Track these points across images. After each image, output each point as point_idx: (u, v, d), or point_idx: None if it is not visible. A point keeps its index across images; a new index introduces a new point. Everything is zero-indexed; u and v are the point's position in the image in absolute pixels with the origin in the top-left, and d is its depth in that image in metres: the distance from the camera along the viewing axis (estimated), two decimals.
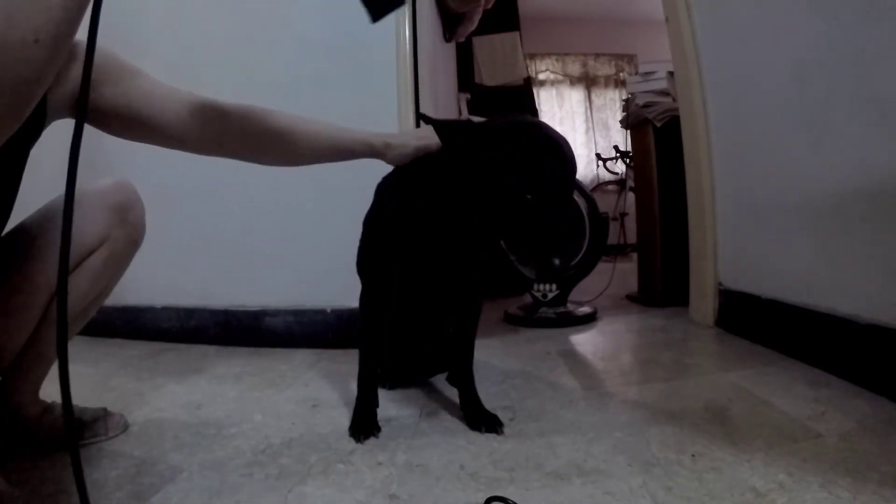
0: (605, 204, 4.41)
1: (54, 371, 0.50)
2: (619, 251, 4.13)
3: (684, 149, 1.74)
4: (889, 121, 0.94)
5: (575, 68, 5.62)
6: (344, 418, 0.94)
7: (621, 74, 5.55)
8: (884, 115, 0.95)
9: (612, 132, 5.45)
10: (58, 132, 0.73)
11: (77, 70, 0.43)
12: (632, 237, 3.88)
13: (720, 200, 1.61)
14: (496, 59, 2.97)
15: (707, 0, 1.59)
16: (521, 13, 3.29)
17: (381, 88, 1.50)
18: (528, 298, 1.91)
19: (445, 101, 2.29)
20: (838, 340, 1.07)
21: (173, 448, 0.83)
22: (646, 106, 2.04)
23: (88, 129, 0.42)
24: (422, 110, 1.52)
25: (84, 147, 0.42)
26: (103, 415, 0.88)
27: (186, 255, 1.64)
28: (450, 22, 2.31)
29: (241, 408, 1.02)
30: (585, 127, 5.61)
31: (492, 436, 0.85)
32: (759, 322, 1.39)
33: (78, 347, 1.50)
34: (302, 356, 1.43)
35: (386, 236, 0.87)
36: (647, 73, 2.12)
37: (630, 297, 2.24)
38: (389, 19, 1.58)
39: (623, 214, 4.70)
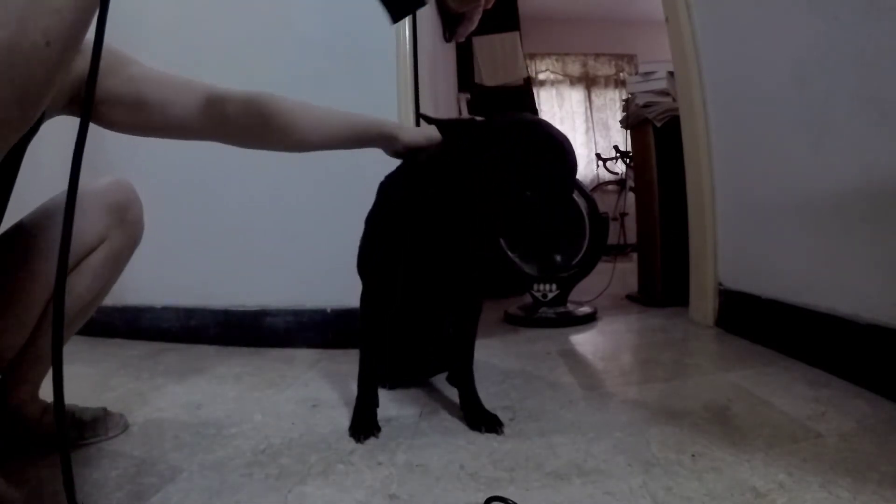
0: (605, 204, 4.41)
1: None
2: (619, 251, 4.13)
3: (684, 149, 1.74)
4: (889, 121, 0.94)
5: (575, 68, 5.62)
6: (344, 418, 0.94)
7: (621, 74, 5.55)
8: (884, 115, 0.95)
9: (612, 132, 5.45)
10: (57, 132, 0.73)
11: (75, 63, 0.43)
12: (632, 237, 3.88)
13: (720, 200, 1.61)
14: (496, 59, 2.97)
15: (707, 0, 1.59)
16: (521, 13, 3.29)
17: (381, 88, 1.50)
18: (528, 298, 1.91)
19: (445, 101, 2.29)
20: (838, 340, 1.07)
21: (173, 448, 0.83)
22: (646, 106, 2.04)
23: (90, 127, 0.42)
24: (422, 110, 1.52)
25: (85, 146, 0.42)
26: (103, 415, 0.88)
27: (186, 255, 1.64)
28: (450, 22, 2.31)
29: (241, 408, 1.02)
30: (585, 127, 5.61)
31: (492, 436, 0.85)
32: (759, 322, 1.39)
33: (78, 347, 1.51)
34: (302, 356, 1.43)
35: (389, 234, 0.87)
36: (647, 73, 2.12)
37: (630, 297, 2.24)
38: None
39: (623, 214, 4.70)
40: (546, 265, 0.68)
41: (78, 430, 0.84)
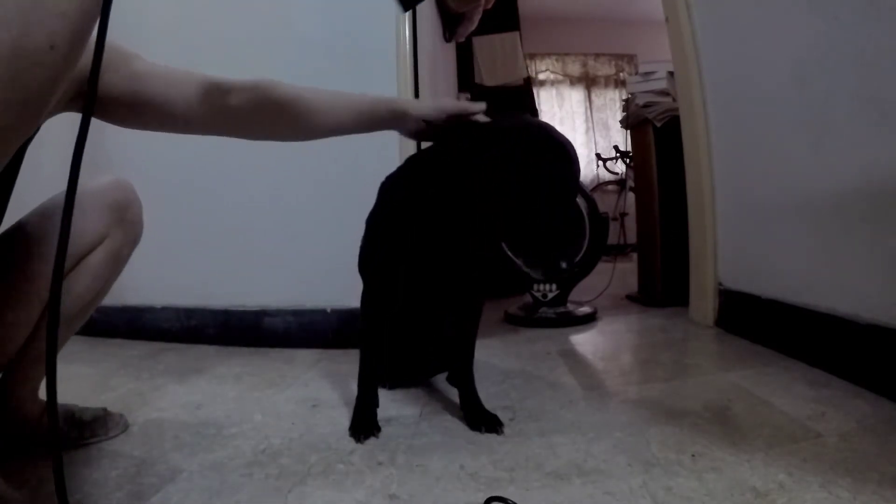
0: (605, 204, 4.41)
1: None
2: (619, 251, 4.13)
3: (684, 149, 1.74)
4: (889, 121, 0.94)
5: (575, 68, 5.62)
6: (344, 418, 0.94)
7: (621, 74, 5.55)
8: (884, 115, 0.95)
9: (612, 132, 5.45)
10: (57, 131, 0.73)
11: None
12: (632, 237, 3.88)
13: (720, 200, 1.61)
14: (496, 59, 2.97)
15: (707, 0, 1.59)
16: (521, 13, 3.29)
17: (381, 88, 1.50)
18: (528, 298, 1.91)
19: None
20: (838, 340, 1.07)
21: (173, 448, 0.83)
22: (646, 106, 2.04)
23: (90, 127, 0.42)
24: None
25: (85, 146, 0.42)
26: (103, 415, 0.88)
27: (186, 255, 1.64)
28: (450, 22, 2.31)
29: (241, 408, 1.02)
30: (585, 127, 5.61)
31: (492, 436, 0.85)
32: (759, 322, 1.39)
33: (78, 347, 1.51)
34: (302, 356, 1.43)
35: (390, 235, 0.87)
36: (647, 73, 2.12)
37: (630, 297, 2.24)
38: (390, 19, 1.58)
39: (623, 214, 4.70)
40: (551, 271, 0.68)
41: (78, 431, 0.84)
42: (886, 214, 0.96)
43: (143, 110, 0.67)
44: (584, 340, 1.61)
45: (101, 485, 0.70)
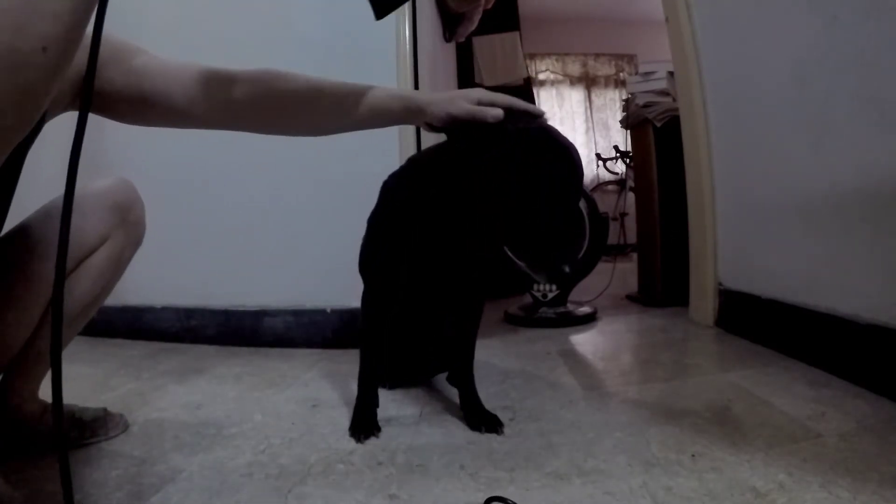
0: (605, 204, 4.42)
1: None
2: (619, 251, 4.13)
3: (684, 149, 1.74)
4: (889, 121, 0.94)
5: (575, 68, 5.62)
6: (344, 418, 0.94)
7: (621, 74, 5.55)
8: (884, 115, 0.95)
9: (612, 132, 5.46)
10: (58, 132, 0.73)
11: (79, 58, 0.42)
12: (632, 237, 3.88)
13: (720, 200, 1.61)
14: (496, 59, 2.97)
15: (707, 0, 1.59)
16: (521, 13, 3.29)
17: None
18: (528, 298, 1.91)
19: None
20: (838, 340, 1.07)
21: (173, 448, 0.83)
22: (646, 106, 2.04)
23: (90, 126, 0.42)
24: None
25: (84, 145, 0.42)
26: (103, 415, 0.88)
27: (186, 255, 1.64)
28: (450, 22, 2.30)
29: (241, 408, 1.02)
30: (585, 127, 5.61)
31: (492, 436, 0.85)
32: (759, 322, 1.39)
33: (78, 347, 1.51)
34: (302, 356, 1.43)
35: (392, 235, 0.87)
36: (647, 73, 2.12)
37: (630, 297, 2.24)
38: (390, 19, 1.58)
39: (623, 214, 4.70)
40: (554, 275, 0.67)
41: (78, 431, 0.84)
42: (886, 214, 0.96)
43: (144, 106, 0.65)
44: (584, 340, 1.61)
45: (101, 485, 0.70)
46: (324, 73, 0.72)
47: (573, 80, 5.64)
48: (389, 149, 1.47)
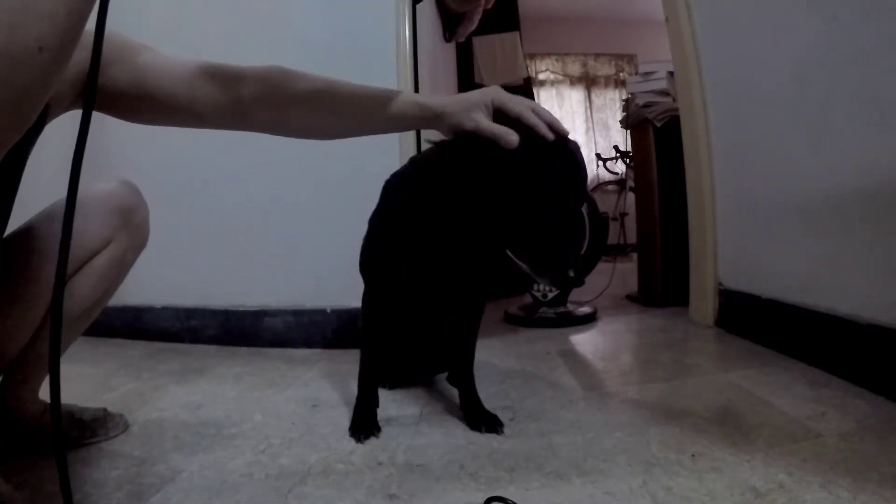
0: (605, 204, 4.42)
1: None
2: (619, 251, 4.13)
3: (684, 149, 1.74)
4: (889, 121, 0.94)
5: (575, 68, 5.62)
6: (344, 418, 0.94)
7: (621, 74, 5.55)
8: (884, 115, 0.95)
9: (612, 132, 5.46)
10: (58, 133, 0.73)
11: (78, 55, 0.42)
12: (632, 237, 3.88)
13: (720, 200, 1.61)
14: (496, 59, 2.97)
15: (707, 0, 1.59)
16: (521, 13, 3.29)
17: None
18: (528, 298, 1.91)
19: None
20: (838, 340, 1.07)
21: (173, 448, 0.83)
22: (646, 106, 2.04)
23: (91, 126, 0.42)
24: None
25: (86, 147, 0.42)
26: (103, 415, 0.88)
27: (186, 255, 1.64)
28: (450, 22, 2.30)
29: (241, 408, 1.02)
30: (585, 127, 5.61)
31: (492, 436, 0.85)
32: (759, 322, 1.39)
33: (79, 347, 1.51)
34: (302, 356, 1.43)
35: (393, 235, 0.87)
36: (647, 73, 2.12)
37: (630, 297, 2.24)
38: (390, 19, 1.57)
39: (623, 214, 4.70)
40: (559, 280, 0.67)
41: (78, 431, 0.84)
42: (886, 214, 0.96)
43: (149, 104, 0.64)
44: (584, 340, 1.61)
45: (101, 485, 0.70)
46: (324, 73, 0.71)
47: (573, 80, 5.63)
48: (390, 149, 1.47)
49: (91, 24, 0.41)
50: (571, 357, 1.38)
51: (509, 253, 0.71)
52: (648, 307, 2.05)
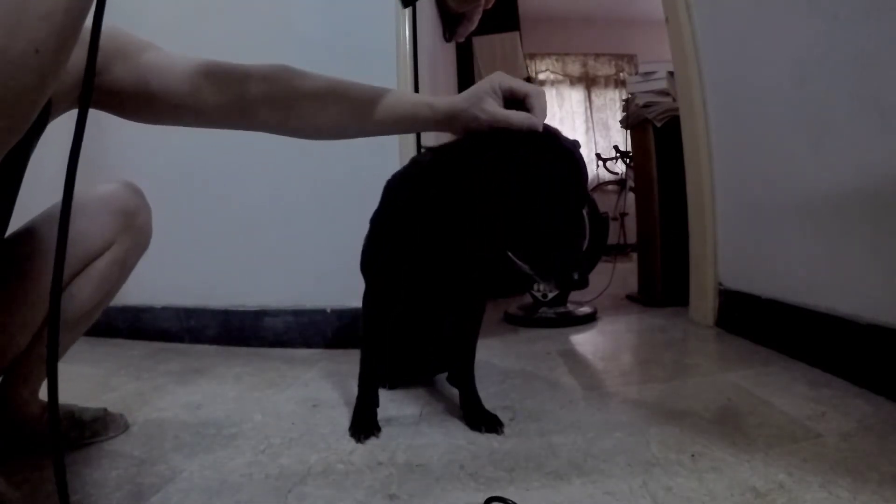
0: (605, 204, 4.41)
1: None
2: (619, 251, 4.13)
3: (684, 149, 1.74)
4: (889, 121, 0.94)
5: (575, 68, 5.62)
6: (344, 418, 0.94)
7: (621, 74, 5.55)
8: (884, 115, 0.95)
9: (612, 132, 5.46)
10: (59, 133, 0.73)
11: (80, 53, 0.42)
12: (632, 237, 3.88)
13: (720, 200, 1.61)
14: (496, 59, 2.97)
15: (707, 0, 1.59)
16: (521, 13, 3.30)
17: None
18: (528, 298, 1.91)
19: None
20: (838, 340, 1.07)
21: (173, 448, 0.83)
22: (646, 106, 2.04)
23: (89, 126, 0.42)
24: None
25: (85, 146, 0.42)
26: (103, 415, 0.88)
27: (186, 255, 1.64)
28: (450, 22, 2.30)
29: (241, 408, 1.02)
30: (585, 127, 5.61)
31: (492, 436, 0.85)
32: (759, 322, 1.39)
33: (79, 347, 1.51)
34: (302, 356, 1.43)
35: (394, 235, 0.87)
36: (647, 73, 2.12)
37: (630, 297, 2.24)
38: (390, 19, 1.57)
39: (623, 214, 4.70)
40: (563, 282, 0.67)
41: (78, 431, 0.84)
42: (886, 214, 0.96)
43: (152, 103, 0.63)
44: (584, 340, 1.61)
45: (101, 485, 0.70)
46: (324, 73, 0.71)
47: (573, 80, 5.64)
48: (390, 149, 1.47)
49: (90, 22, 0.41)
50: (571, 357, 1.38)
51: (510, 253, 0.71)
52: (648, 307, 2.05)
